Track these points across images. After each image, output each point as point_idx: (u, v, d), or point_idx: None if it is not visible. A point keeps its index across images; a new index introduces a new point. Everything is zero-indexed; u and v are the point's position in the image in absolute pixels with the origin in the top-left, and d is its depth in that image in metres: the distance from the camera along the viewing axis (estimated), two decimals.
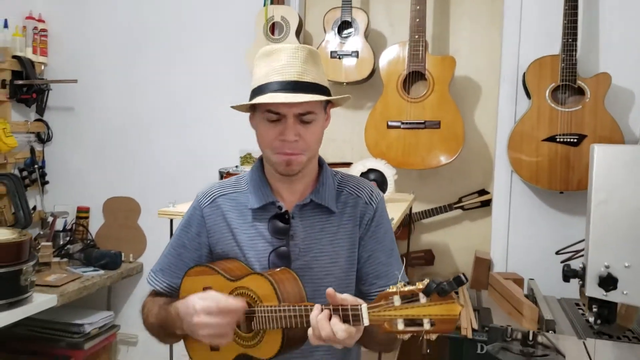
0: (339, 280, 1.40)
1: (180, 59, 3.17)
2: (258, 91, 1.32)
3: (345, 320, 1.14)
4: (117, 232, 3.29)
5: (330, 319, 1.15)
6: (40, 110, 3.25)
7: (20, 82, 3.02)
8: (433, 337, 1.11)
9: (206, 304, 1.26)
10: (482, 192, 3.01)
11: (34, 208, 3.23)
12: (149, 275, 1.54)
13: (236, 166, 2.28)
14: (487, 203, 2.98)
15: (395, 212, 2.13)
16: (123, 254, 3.14)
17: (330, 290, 1.17)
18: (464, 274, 1.05)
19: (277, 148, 1.33)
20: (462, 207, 3.01)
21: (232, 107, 1.41)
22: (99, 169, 3.33)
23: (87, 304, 3.10)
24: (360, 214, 1.43)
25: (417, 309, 1.07)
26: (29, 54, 3.11)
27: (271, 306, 1.27)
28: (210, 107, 3.14)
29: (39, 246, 2.95)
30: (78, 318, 2.89)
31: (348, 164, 2.61)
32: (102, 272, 2.96)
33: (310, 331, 1.17)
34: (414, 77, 2.78)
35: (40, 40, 3.19)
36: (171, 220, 2.12)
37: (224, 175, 2.20)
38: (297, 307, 1.23)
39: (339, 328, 1.13)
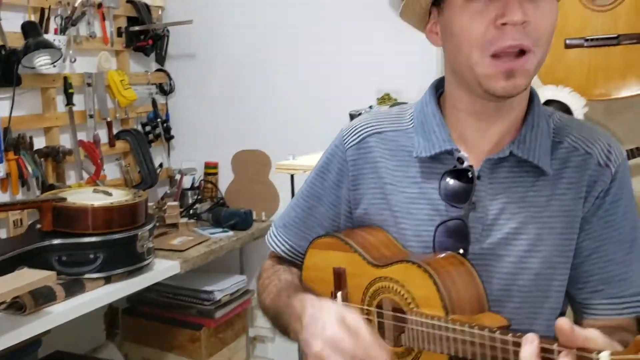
0: (540, 280, 0.92)
1: None
2: None
3: None
4: (248, 188, 3.01)
5: None
6: (161, 59, 3.00)
7: (135, 28, 2.77)
8: None
9: (340, 335, 0.82)
10: None
11: (160, 165, 3.03)
12: (270, 232, 1.16)
13: (370, 107, 1.81)
14: None
15: None
16: (254, 213, 2.85)
17: (564, 324, 0.67)
18: None
19: (494, 43, 0.85)
20: None
21: (401, 14, 0.96)
22: (225, 120, 3.05)
23: (218, 267, 2.86)
24: (588, 181, 0.94)
25: None
26: None
27: (432, 318, 0.81)
28: (341, 40, 2.70)
29: (165, 206, 2.73)
30: (208, 284, 2.66)
31: None
32: (231, 233, 2.69)
33: None
34: None
35: None
36: (292, 176, 1.74)
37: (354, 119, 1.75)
38: (477, 331, 0.75)
39: None
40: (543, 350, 0.68)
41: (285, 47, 2.85)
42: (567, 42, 2.15)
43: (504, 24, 0.84)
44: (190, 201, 2.93)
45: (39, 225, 1.99)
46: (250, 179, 3.03)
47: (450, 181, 0.94)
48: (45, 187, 2.35)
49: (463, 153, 0.96)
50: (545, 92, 1.87)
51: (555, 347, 0.67)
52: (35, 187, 2.34)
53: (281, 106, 2.90)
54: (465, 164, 0.95)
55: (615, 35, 2.08)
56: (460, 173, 0.94)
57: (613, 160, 0.95)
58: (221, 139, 3.06)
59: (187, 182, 3.00)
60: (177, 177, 2.99)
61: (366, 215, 1.03)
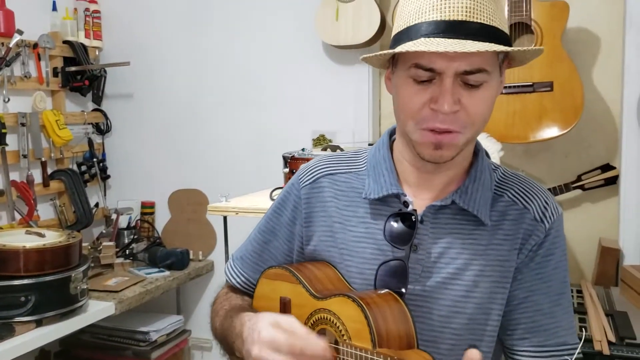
0: (473, 324, 0.97)
1: (243, 34, 2.82)
2: (403, 36, 0.90)
3: None
4: (185, 227, 3.02)
5: None
6: (97, 99, 3.01)
7: (72, 68, 2.77)
8: None
9: (276, 336, 0.87)
10: (606, 167, 2.47)
11: (96, 205, 3.01)
12: (227, 263, 1.20)
13: (303, 149, 1.88)
14: (612, 181, 2.44)
15: None
16: (191, 252, 2.85)
17: (474, 354, 0.75)
18: None
19: (425, 121, 0.91)
20: (581, 187, 2.48)
21: (363, 58, 0.99)
22: (163, 160, 3.06)
23: (155, 308, 2.84)
24: (523, 234, 0.99)
25: None
26: (81, 38, 2.86)
27: (361, 350, 0.87)
28: (276, 83, 2.78)
29: (101, 246, 2.71)
30: (143, 325, 2.63)
31: None
32: (167, 273, 2.69)
33: None
34: (517, 30, 2.28)
35: (93, 23, 2.93)
36: (225, 218, 1.77)
37: (287, 161, 1.80)
38: None
39: None
40: None
41: (221, 89, 2.90)
42: None
43: (435, 110, 0.90)
44: (126, 241, 2.91)
45: None
46: (187, 218, 3.04)
47: (395, 223, 0.98)
48: None
49: (408, 197, 1.00)
50: None
51: None
52: None
53: (217, 147, 2.95)
54: (410, 208, 0.99)
55: (530, 84, 2.25)
56: (404, 216, 0.98)
57: (548, 217, 0.99)
58: (158, 178, 3.06)
59: (123, 222, 2.97)
60: (113, 216, 2.96)
61: (316, 252, 1.07)
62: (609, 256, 2.33)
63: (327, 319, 0.95)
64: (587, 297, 2.16)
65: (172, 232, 3.04)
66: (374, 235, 1.01)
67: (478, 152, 1.03)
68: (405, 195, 1.00)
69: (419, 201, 1.00)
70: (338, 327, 0.93)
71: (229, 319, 1.05)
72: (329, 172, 1.09)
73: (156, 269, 2.70)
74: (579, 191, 2.49)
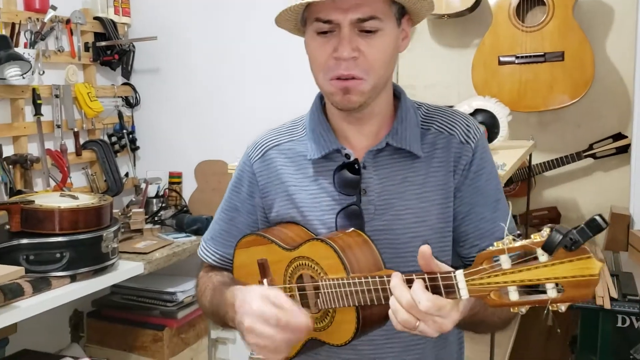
0: (429, 244, 1.09)
1: (267, 10, 2.90)
2: None
3: (435, 293, 0.84)
4: (210, 196, 3.14)
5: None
6: (126, 74, 3.13)
7: (102, 43, 2.91)
8: (563, 307, 0.78)
9: (264, 308, 0.98)
10: (618, 136, 2.52)
11: (126, 174, 3.15)
12: (200, 247, 1.30)
13: None
14: (624, 149, 2.50)
15: (508, 158, 1.76)
16: None
17: (425, 249, 0.86)
18: (600, 215, 0.71)
19: (331, 70, 1.03)
20: (593, 156, 2.54)
21: (277, 23, 1.12)
22: (189, 132, 3.18)
23: (181, 271, 2.98)
24: (454, 157, 1.10)
25: (536, 270, 0.76)
26: (110, 14, 2.99)
27: (338, 279, 0.98)
28: (303, 58, 2.85)
29: (130, 213, 2.85)
30: (171, 286, 2.77)
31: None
32: (194, 237, 2.82)
33: (390, 312, 0.88)
34: (530, 1, 2.34)
35: (122, 0, 3.06)
36: None
37: None
38: (370, 279, 0.93)
39: (422, 297, 0.83)
40: (407, 280, 0.87)
41: (245, 64, 3.00)
42: (501, 59, 2.36)
43: (337, 58, 1.02)
44: (155, 208, 3.05)
45: (7, 227, 2.10)
46: (212, 188, 3.16)
47: (342, 174, 1.10)
48: (13, 192, 2.45)
49: (348, 150, 1.11)
50: (474, 102, 2.05)
51: (414, 275, 0.87)
52: (3, 192, 2.44)
53: (240, 119, 3.04)
54: (352, 158, 1.11)
55: (542, 53, 2.31)
56: (348, 166, 1.10)
57: (472, 137, 1.11)
58: (185, 150, 3.19)
59: (152, 191, 3.11)
60: (143, 186, 3.10)
61: (279, 217, 1.17)
62: (619, 222, 2.39)
63: (303, 264, 1.05)
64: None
65: (198, 200, 3.17)
66: (326, 189, 1.12)
67: (400, 95, 1.15)
68: (345, 149, 1.11)
69: (357, 151, 1.12)
70: (314, 268, 1.03)
71: (219, 293, 1.16)
72: (274, 144, 1.20)
73: (183, 234, 2.84)
74: (590, 160, 2.55)
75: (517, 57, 2.34)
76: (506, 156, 1.83)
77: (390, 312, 0.88)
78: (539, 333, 2.53)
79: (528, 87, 2.34)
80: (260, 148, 1.21)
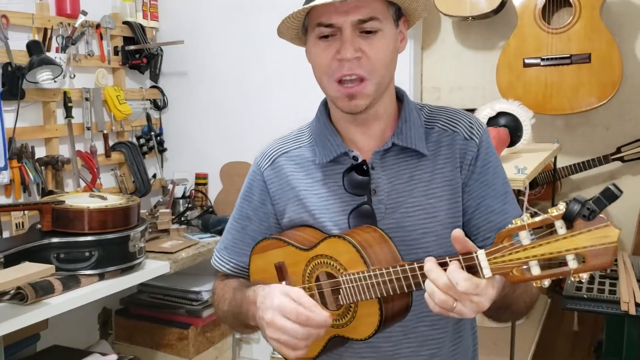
0: (440, 239, 1.11)
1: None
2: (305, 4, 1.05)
3: None
4: (235, 197, 3.10)
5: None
6: (154, 77, 3.19)
7: (131, 47, 2.97)
8: (585, 276, 0.79)
9: (285, 303, 1.01)
10: None
11: (154, 176, 3.21)
12: (214, 256, 1.32)
13: None
14: None
15: (530, 162, 1.75)
16: None
17: (457, 233, 0.89)
18: (614, 184, 0.75)
19: (335, 72, 1.06)
20: (621, 159, 2.51)
21: (279, 33, 1.14)
22: (215, 134, 3.23)
23: (206, 271, 3.02)
24: (460, 154, 1.13)
25: (556, 243, 0.79)
26: (139, 19, 3.05)
27: (358, 272, 1.00)
28: None
29: (158, 213, 2.91)
30: (196, 285, 2.82)
31: (471, 111, 2.24)
32: (218, 238, 2.86)
33: (426, 295, 0.91)
34: (556, 3, 2.32)
35: (150, 5, 3.12)
36: None
37: None
38: (392, 269, 0.96)
39: (459, 277, 0.86)
40: (440, 264, 0.90)
41: (270, 67, 3.03)
42: (526, 61, 2.35)
43: (340, 60, 1.04)
44: (181, 209, 3.10)
45: (39, 226, 2.16)
46: (237, 189, 3.16)
47: (351, 176, 1.13)
48: (45, 193, 2.52)
49: (355, 152, 1.14)
50: (497, 105, 2.05)
51: (447, 258, 0.89)
52: (35, 192, 2.51)
53: (265, 122, 3.08)
54: (360, 160, 1.13)
55: (568, 55, 2.29)
56: (357, 168, 1.13)
57: (476, 133, 1.14)
58: (210, 151, 3.24)
59: (178, 192, 3.17)
60: (170, 187, 3.15)
61: (291, 222, 1.20)
62: None
63: (321, 262, 1.07)
64: (621, 264, 2.20)
65: (224, 201, 3.21)
66: (336, 192, 1.15)
67: (402, 97, 1.17)
68: (352, 151, 1.14)
69: (364, 152, 1.14)
70: (333, 265, 1.05)
71: (240, 293, 1.18)
72: (283, 151, 1.23)
73: (209, 234, 2.88)
74: (618, 163, 2.52)
75: (542, 59, 2.32)
76: (529, 159, 1.82)
77: (426, 295, 0.91)
78: (564, 339, 2.50)
79: (554, 89, 2.32)
80: (269, 156, 1.24)
